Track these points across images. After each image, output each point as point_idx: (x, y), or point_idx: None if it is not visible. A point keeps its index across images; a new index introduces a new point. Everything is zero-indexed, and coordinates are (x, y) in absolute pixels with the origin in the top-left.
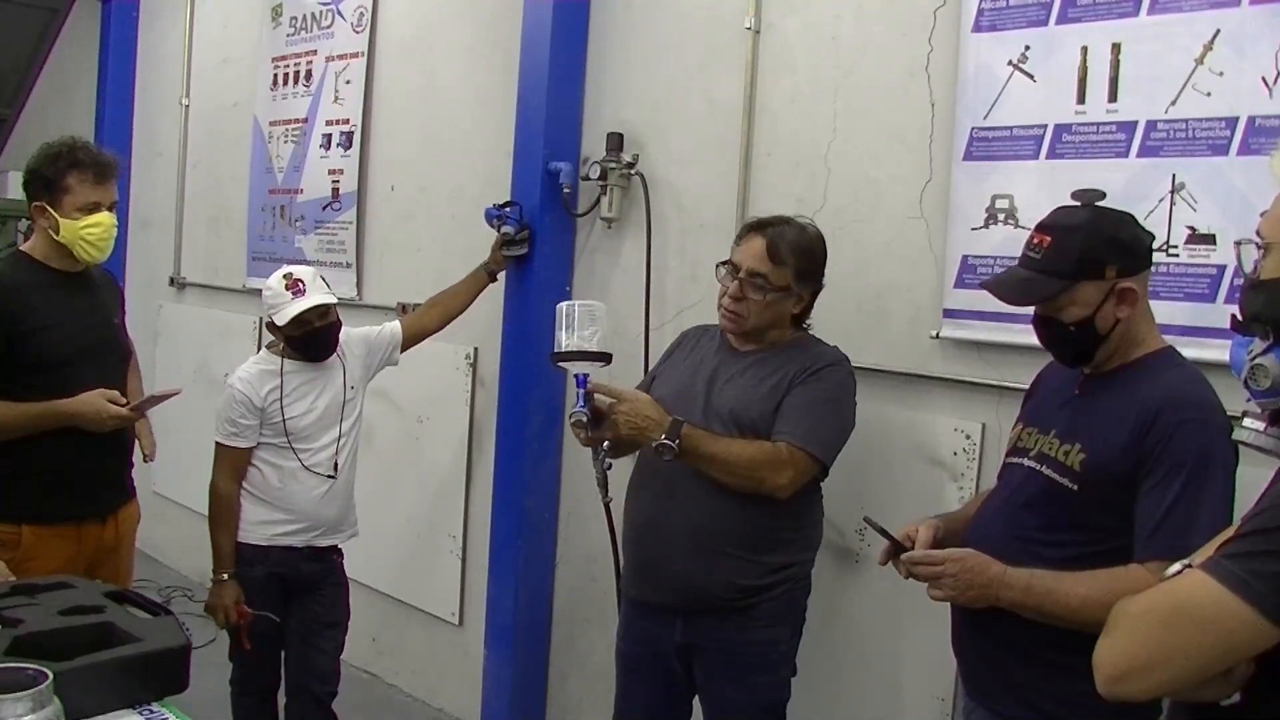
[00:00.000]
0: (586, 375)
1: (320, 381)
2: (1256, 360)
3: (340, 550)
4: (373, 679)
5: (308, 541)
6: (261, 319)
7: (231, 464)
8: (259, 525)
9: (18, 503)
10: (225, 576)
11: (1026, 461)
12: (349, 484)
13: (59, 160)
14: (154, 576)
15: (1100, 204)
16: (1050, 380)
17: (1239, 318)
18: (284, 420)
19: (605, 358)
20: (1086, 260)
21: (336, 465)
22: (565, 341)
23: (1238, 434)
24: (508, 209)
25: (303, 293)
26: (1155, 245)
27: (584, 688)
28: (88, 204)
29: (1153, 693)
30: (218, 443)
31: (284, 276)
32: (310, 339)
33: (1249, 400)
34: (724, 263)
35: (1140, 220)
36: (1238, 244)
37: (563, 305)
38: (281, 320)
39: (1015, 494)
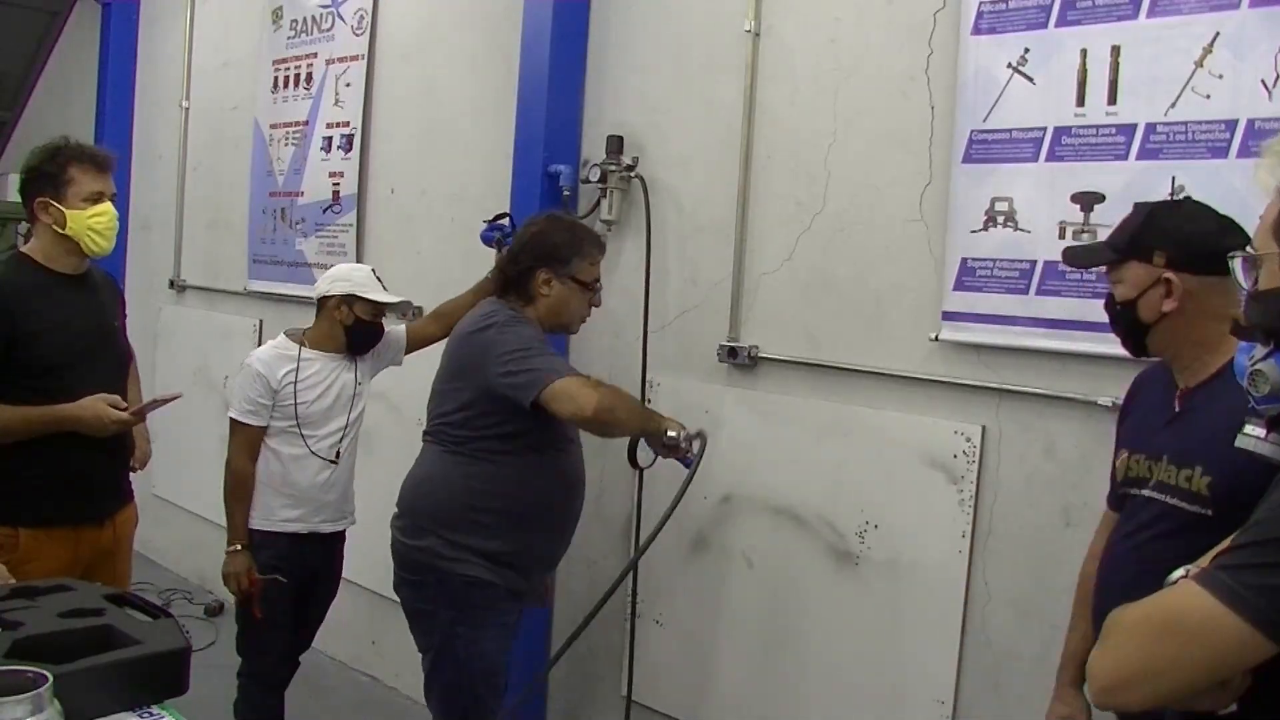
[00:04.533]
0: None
1: (334, 372)
2: (1256, 366)
3: (343, 536)
4: (373, 681)
5: (312, 528)
6: (262, 321)
7: (246, 440)
8: (266, 510)
9: (15, 505)
10: (239, 547)
11: (1146, 492)
12: (348, 472)
13: (59, 154)
14: (154, 579)
15: (1201, 202)
16: (1145, 398)
17: (1240, 324)
18: (295, 405)
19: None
20: (1137, 240)
21: (338, 453)
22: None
23: (1239, 441)
24: (502, 221)
25: (386, 291)
26: None
27: (584, 689)
28: (92, 193)
29: (1146, 703)
30: (233, 419)
31: (371, 270)
32: (367, 330)
33: (1251, 406)
34: (599, 281)
35: None
36: (1231, 257)
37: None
38: (372, 297)
39: (1142, 528)
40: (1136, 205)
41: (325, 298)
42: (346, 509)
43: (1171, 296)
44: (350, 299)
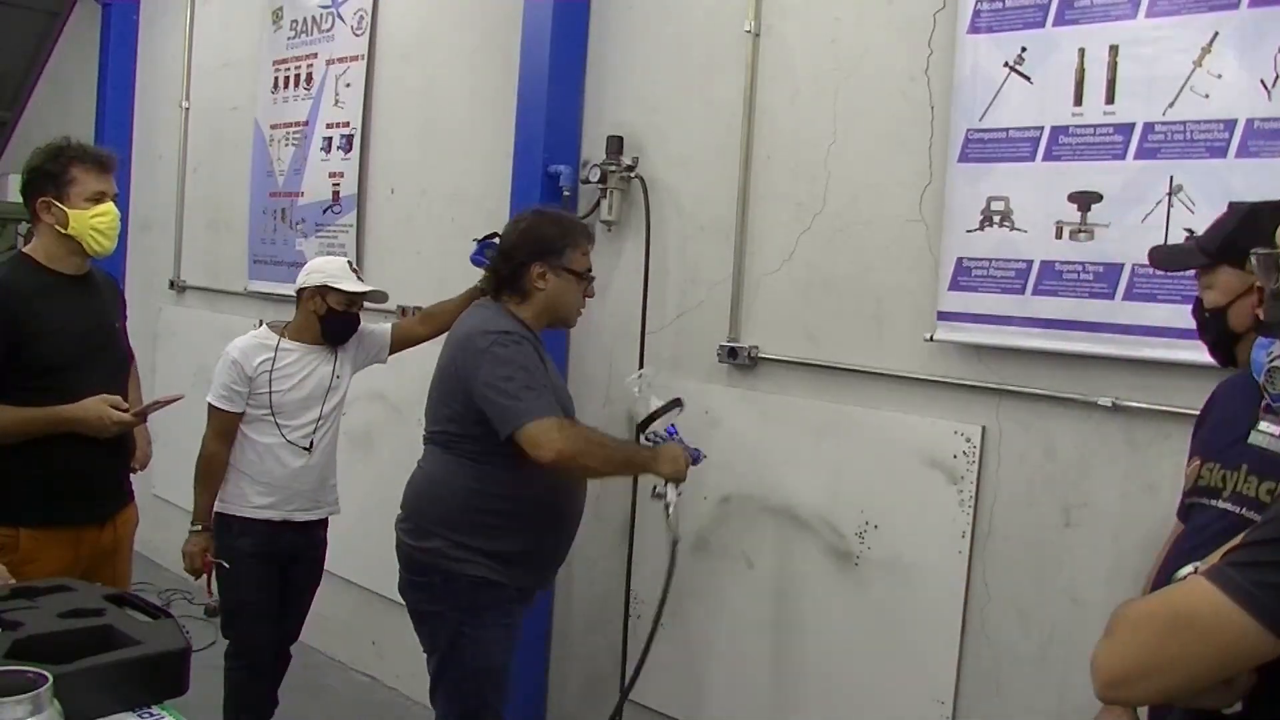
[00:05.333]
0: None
1: (311, 364)
2: (1275, 363)
3: (324, 525)
4: (373, 682)
5: (285, 515)
6: (262, 321)
7: (220, 426)
8: (240, 497)
9: (16, 506)
10: (200, 528)
11: (1220, 504)
12: (324, 462)
13: (61, 154)
14: (154, 579)
15: None
16: (1224, 407)
17: (1261, 319)
18: (270, 393)
19: (677, 403)
20: (1230, 244)
21: (311, 443)
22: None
23: (1254, 438)
24: (494, 240)
25: (360, 281)
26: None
27: (584, 690)
28: (94, 193)
29: (1150, 699)
30: (209, 404)
31: (347, 261)
32: (344, 320)
33: (1267, 403)
34: (591, 270)
35: (1139, 221)
36: (1254, 254)
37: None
38: (343, 287)
39: (1211, 541)
40: (1231, 205)
41: (301, 289)
42: (323, 498)
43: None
44: (323, 289)
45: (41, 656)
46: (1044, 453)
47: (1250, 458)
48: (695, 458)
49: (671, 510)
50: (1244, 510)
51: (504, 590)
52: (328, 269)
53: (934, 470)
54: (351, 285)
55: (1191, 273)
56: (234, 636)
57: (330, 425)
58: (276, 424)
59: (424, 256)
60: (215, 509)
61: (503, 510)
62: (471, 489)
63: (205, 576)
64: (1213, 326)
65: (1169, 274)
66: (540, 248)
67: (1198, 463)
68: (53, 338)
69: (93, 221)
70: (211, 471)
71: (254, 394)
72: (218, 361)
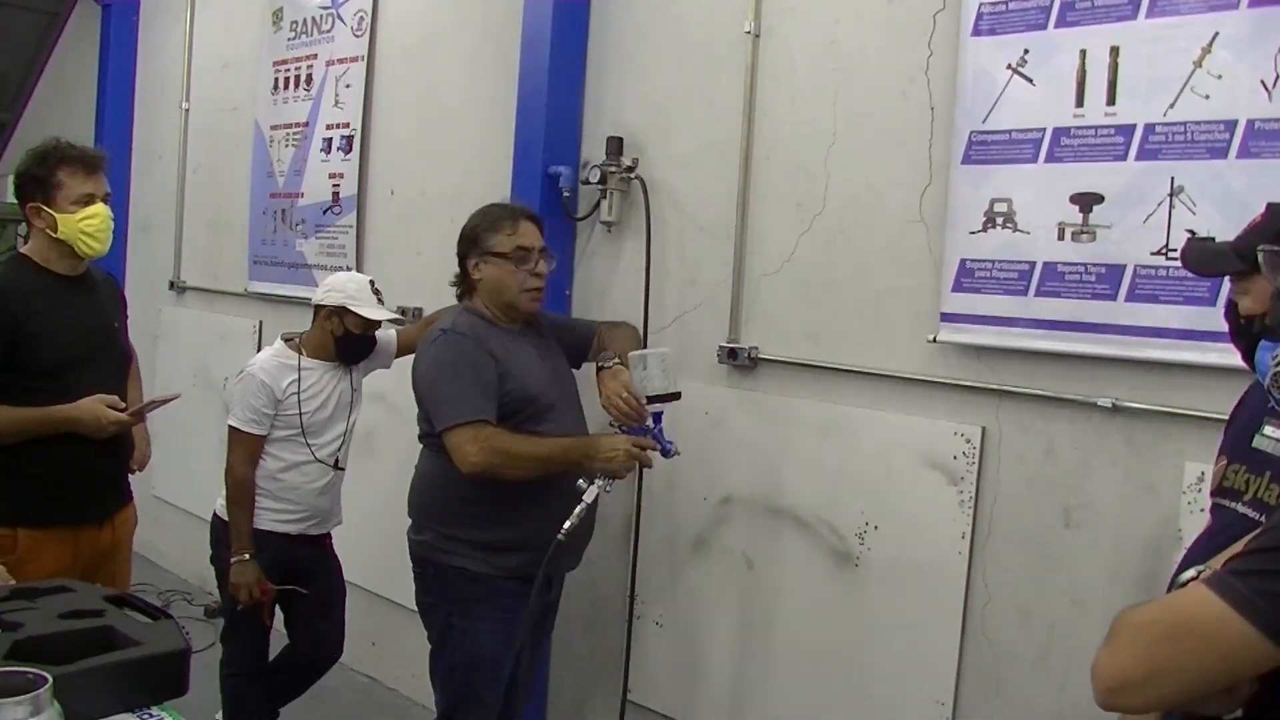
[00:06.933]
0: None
1: (333, 380)
2: (1279, 367)
3: (330, 535)
4: (372, 683)
5: (303, 530)
6: (262, 322)
7: (248, 449)
8: (259, 512)
9: (14, 506)
10: (247, 556)
11: (1240, 507)
12: (342, 478)
13: (48, 158)
14: (154, 580)
15: None
16: (1254, 407)
17: (1267, 323)
18: (300, 414)
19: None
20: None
21: (337, 460)
22: (660, 385)
23: (1257, 441)
24: None
25: (381, 305)
26: (1153, 249)
27: (584, 690)
28: (82, 196)
29: (1150, 706)
30: (233, 428)
31: (370, 281)
32: (358, 342)
33: (1272, 406)
34: (528, 249)
35: (1140, 223)
36: (1262, 252)
37: (646, 354)
38: (363, 313)
39: (1228, 544)
40: (1269, 206)
41: (319, 306)
42: (335, 511)
43: None
44: (342, 311)
45: (41, 657)
46: (1044, 453)
47: (1275, 464)
48: (667, 451)
49: (582, 506)
50: (1263, 517)
51: (494, 583)
52: (349, 288)
53: (934, 471)
54: (372, 312)
55: (1193, 275)
56: (232, 646)
57: (350, 438)
58: (308, 444)
59: (424, 257)
60: (228, 520)
61: (486, 500)
62: (454, 480)
63: (263, 608)
64: (1247, 334)
65: (1170, 276)
66: (467, 242)
67: (1224, 463)
68: (51, 338)
69: (82, 225)
70: (245, 495)
71: (281, 414)
72: (238, 382)
